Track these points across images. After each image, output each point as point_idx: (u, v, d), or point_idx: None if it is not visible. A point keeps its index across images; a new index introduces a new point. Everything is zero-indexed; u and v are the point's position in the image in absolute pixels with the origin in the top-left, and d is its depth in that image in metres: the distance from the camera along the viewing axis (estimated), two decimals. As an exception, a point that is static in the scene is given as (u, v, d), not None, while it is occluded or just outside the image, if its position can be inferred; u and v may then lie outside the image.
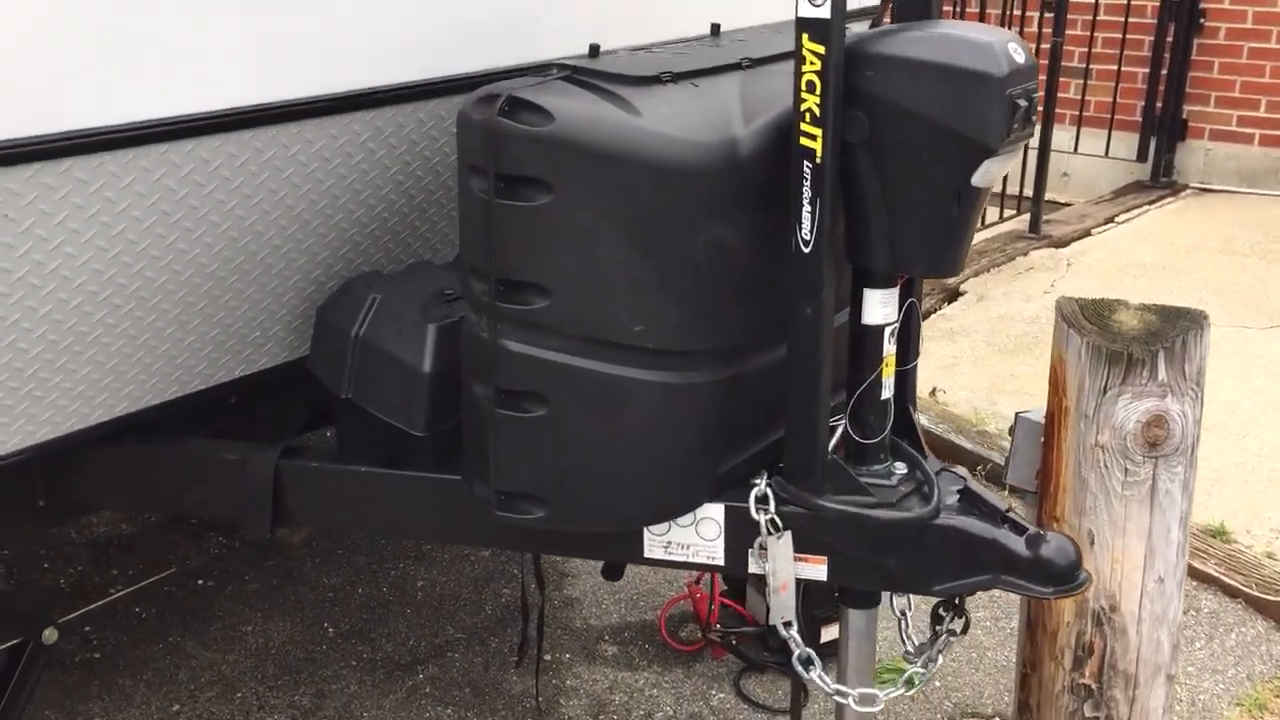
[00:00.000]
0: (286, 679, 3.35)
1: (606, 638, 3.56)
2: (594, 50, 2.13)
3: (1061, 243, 6.58)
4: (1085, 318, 2.57)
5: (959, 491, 2.19)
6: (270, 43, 2.16)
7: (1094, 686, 2.63)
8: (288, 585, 3.76)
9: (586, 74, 1.99)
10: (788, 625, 2.24)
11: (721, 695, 3.33)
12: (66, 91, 1.93)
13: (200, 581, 3.79)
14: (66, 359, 2.25)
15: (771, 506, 2.18)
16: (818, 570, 2.23)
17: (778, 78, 2.18)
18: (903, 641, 2.42)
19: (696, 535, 2.25)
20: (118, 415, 2.45)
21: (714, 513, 2.23)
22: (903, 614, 2.43)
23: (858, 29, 2.12)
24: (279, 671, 3.38)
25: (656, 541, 2.26)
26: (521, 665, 3.37)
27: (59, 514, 2.72)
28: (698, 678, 3.40)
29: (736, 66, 2.17)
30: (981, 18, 6.98)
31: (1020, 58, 1.91)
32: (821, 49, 1.90)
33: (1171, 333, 2.48)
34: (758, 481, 2.22)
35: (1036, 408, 2.87)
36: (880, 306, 2.15)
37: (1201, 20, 7.39)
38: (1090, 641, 2.61)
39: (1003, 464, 3.02)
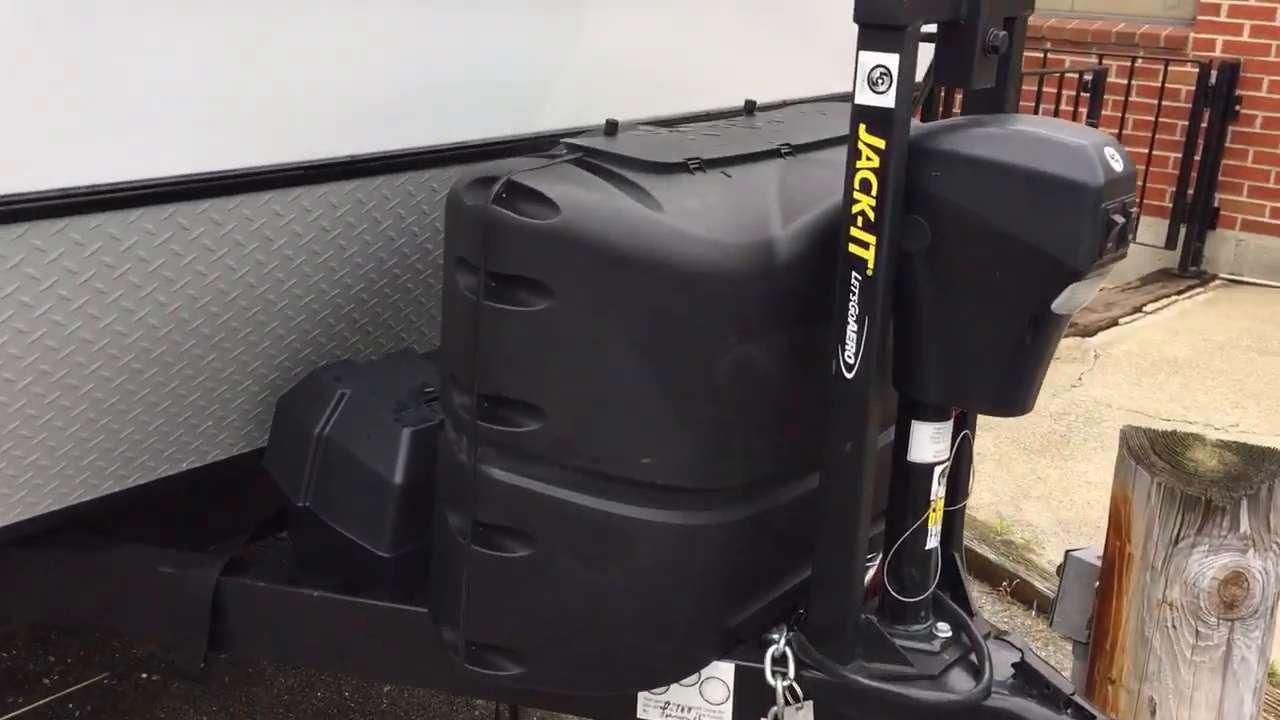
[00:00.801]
0: (233, 799, 2.98)
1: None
2: (611, 127, 1.82)
3: (1088, 331, 6.27)
4: (1156, 453, 2.25)
5: (1015, 666, 1.85)
6: (233, 105, 1.85)
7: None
8: (239, 685, 3.40)
9: (601, 157, 1.68)
10: (803, 809, 1.90)
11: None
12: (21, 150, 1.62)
13: (144, 675, 3.43)
14: (-23, 453, 1.93)
15: (791, 670, 1.85)
16: (841, 748, 1.89)
17: (823, 169, 1.87)
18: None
19: (700, 697, 1.91)
20: (38, 514, 2.12)
21: (722, 672, 1.89)
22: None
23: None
24: (225, 789, 3.01)
25: (652, 701, 1.92)
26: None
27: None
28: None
29: (775, 153, 1.86)
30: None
31: (1118, 165, 1.60)
32: (881, 143, 1.59)
33: (1256, 477, 2.16)
34: (775, 638, 1.89)
35: (1088, 546, 2.55)
36: (931, 443, 1.82)
37: (1237, 108, 7.14)
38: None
39: (1045, 602, 2.68)
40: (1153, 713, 2.23)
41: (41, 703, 3.14)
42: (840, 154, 1.90)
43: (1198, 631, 2.18)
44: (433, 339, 2.51)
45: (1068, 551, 2.53)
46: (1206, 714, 2.23)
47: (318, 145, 1.97)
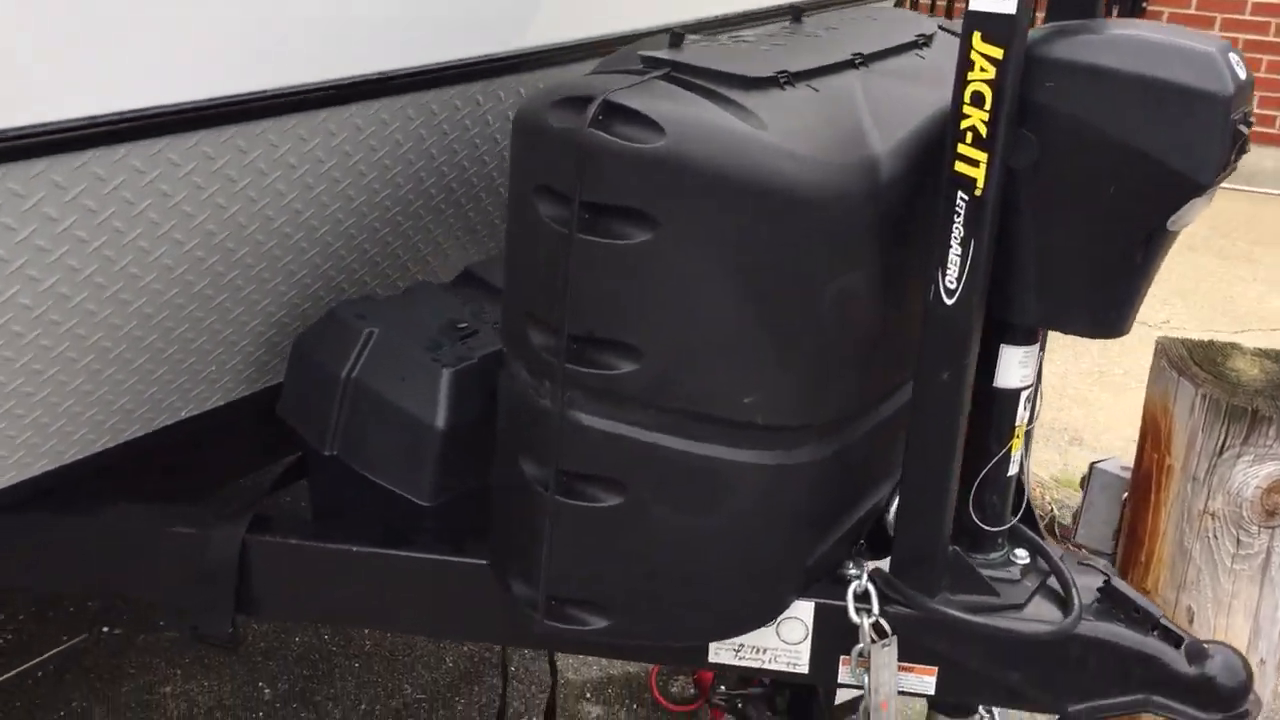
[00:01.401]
0: (220, 756, 2.84)
1: (588, 695, 3.13)
2: (677, 39, 1.67)
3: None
4: (1196, 364, 2.22)
5: (1101, 590, 1.81)
6: (260, 23, 1.65)
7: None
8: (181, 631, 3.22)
9: (691, 72, 1.54)
10: (886, 746, 1.85)
11: (726, 766, 2.93)
12: (31, 79, 1.41)
13: (105, 629, 3.23)
14: (-24, 415, 1.73)
15: (875, 606, 1.78)
16: (924, 683, 1.84)
17: (900, 81, 1.76)
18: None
19: (777, 638, 1.83)
20: (32, 475, 1.93)
21: (801, 612, 1.82)
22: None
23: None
24: (210, 746, 2.87)
25: (726, 645, 1.84)
26: (501, 738, 2.92)
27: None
28: (697, 744, 3.00)
29: (850, 65, 1.74)
30: None
31: (1242, 73, 1.52)
32: (999, 53, 1.49)
33: (1300, 385, 2.16)
34: (854, 574, 1.82)
35: (1111, 458, 2.54)
36: (1019, 367, 1.75)
37: (1144, 5, 7.22)
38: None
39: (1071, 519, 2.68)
40: (1190, 621, 2.23)
41: (18, 671, 2.93)
42: (909, 63, 1.80)
43: (1238, 540, 2.18)
44: (444, 272, 2.36)
45: (1093, 464, 2.52)
46: (1244, 621, 2.24)
47: (345, 62, 1.78)
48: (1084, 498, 2.49)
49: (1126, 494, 2.39)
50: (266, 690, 3.06)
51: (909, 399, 1.89)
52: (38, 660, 2.97)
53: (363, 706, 3.03)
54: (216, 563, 1.91)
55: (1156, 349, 2.29)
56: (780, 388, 1.57)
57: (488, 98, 2.10)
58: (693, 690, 3.08)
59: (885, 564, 1.85)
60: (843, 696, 3.02)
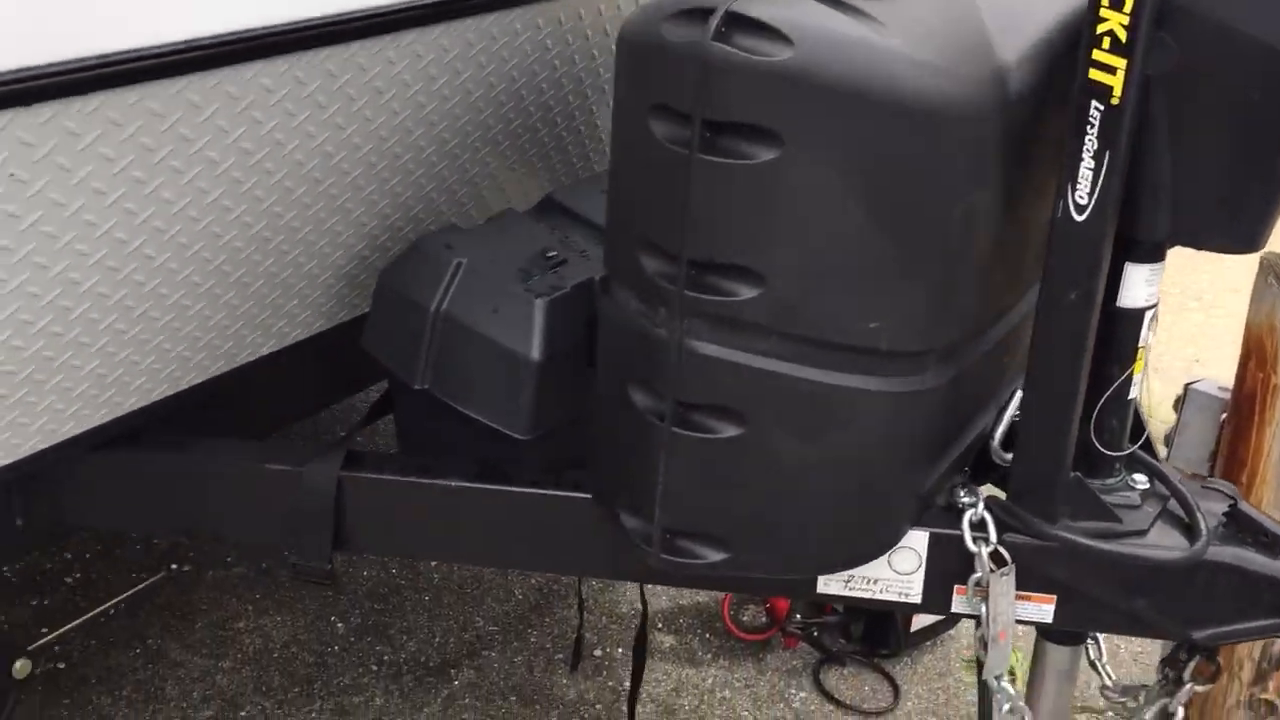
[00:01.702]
0: (297, 691, 2.84)
1: (660, 625, 3.12)
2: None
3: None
4: (1305, 279, 2.15)
5: (1227, 514, 1.76)
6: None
7: (1278, 703, 2.29)
8: (276, 566, 3.22)
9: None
10: (999, 678, 1.81)
11: (803, 694, 2.92)
12: (127, 3, 1.35)
13: (174, 566, 3.23)
14: (71, 353, 1.68)
15: (992, 535, 1.74)
16: (1041, 611, 1.80)
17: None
18: (1101, 676, 2.01)
19: (889, 568, 1.79)
20: (122, 414, 1.89)
21: (915, 541, 1.77)
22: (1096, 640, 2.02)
23: None
24: (286, 682, 2.86)
25: (835, 575, 1.80)
26: (576, 670, 2.91)
27: (41, 537, 2.15)
28: (772, 673, 2.98)
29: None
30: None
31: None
32: (1143, -49, 1.40)
33: None
34: (968, 501, 1.77)
35: (1205, 379, 2.47)
36: (1145, 286, 1.68)
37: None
38: (1278, 654, 2.26)
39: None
40: (1295, 543, 2.19)
41: (94, 613, 2.92)
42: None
43: (1346, 457, 2.12)
44: (519, 203, 2.29)
45: (1188, 385, 2.45)
46: (1350, 542, 2.19)
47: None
48: (1178, 419, 2.42)
49: (1225, 414, 2.32)
50: (339, 624, 3.06)
51: (1018, 322, 1.83)
52: (113, 602, 2.96)
53: (436, 640, 3.02)
54: (313, 500, 1.88)
55: (1261, 265, 2.21)
56: (905, 311, 1.51)
57: (569, 17, 2.02)
58: (765, 619, 3.06)
59: (986, 489, 1.81)
60: (919, 623, 3.00)
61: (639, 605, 3.14)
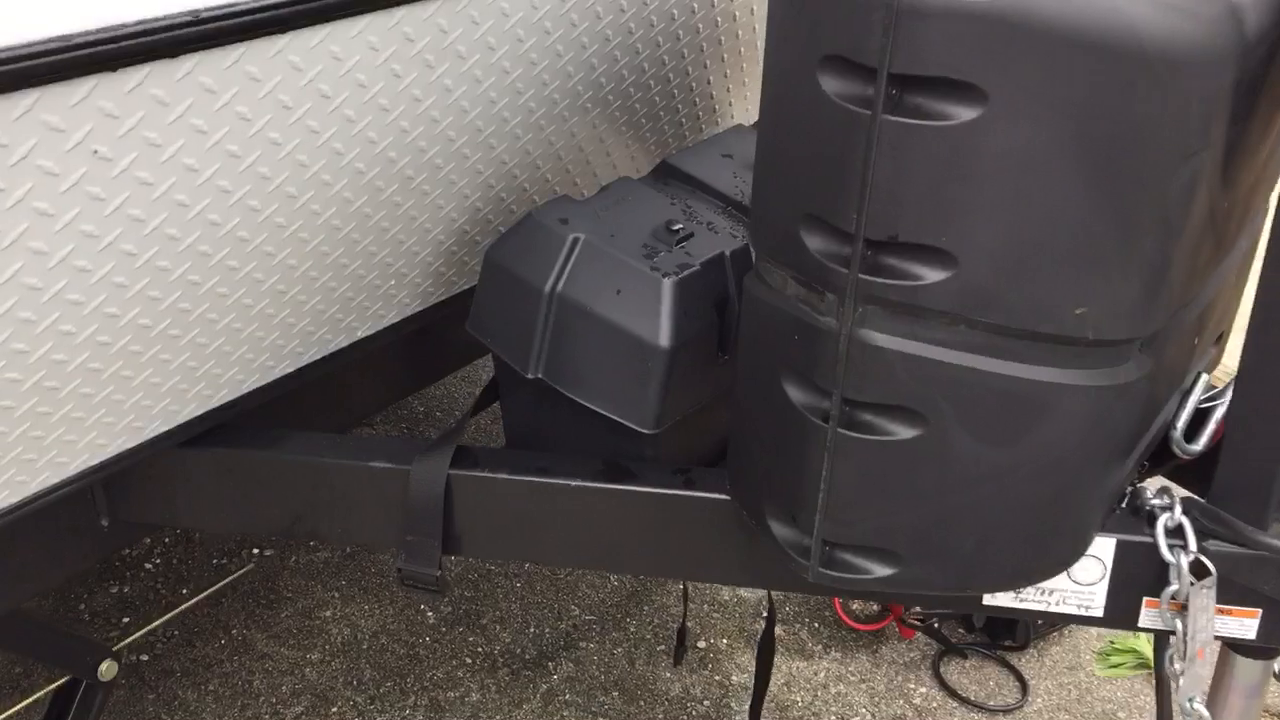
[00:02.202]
0: (390, 686, 2.69)
1: (763, 613, 2.94)
2: None
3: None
4: None
5: None
6: None
7: None
8: (361, 551, 3.08)
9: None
10: (1192, 700, 1.61)
11: (924, 690, 2.74)
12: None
13: (256, 551, 3.10)
14: (159, 347, 1.52)
15: (1192, 542, 1.53)
16: (1244, 627, 1.60)
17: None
18: (1290, 688, 1.80)
19: (1068, 578, 1.59)
20: (212, 409, 1.73)
21: (1100, 549, 1.57)
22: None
23: None
24: (378, 675, 2.72)
25: (1005, 585, 1.60)
26: (680, 663, 2.74)
27: (126, 535, 2.01)
28: (888, 666, 2.79)
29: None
30: None
31: None
32: None
33: None
34: (1158, 504, 1.57)
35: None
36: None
37: None
38: None
39: None
40: None
41: (181, 609, 2.79)
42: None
43: None
44: (630, 171, 2.09)
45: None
46: None
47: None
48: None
49: None
50: (429, 614, 2.91)
51: (1211, 298, 1.62)
52: (200, 596, 2.83)
53: (531, 630, 2.87)
54: (421, 501, 1.71)
55: None
56: (1116, 294, 1.30)
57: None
58: (878, 608, 2.88)
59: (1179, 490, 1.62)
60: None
61: (742, 593, 2.97)
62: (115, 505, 1.81)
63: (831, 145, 1.27)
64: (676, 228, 1.77)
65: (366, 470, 1.75)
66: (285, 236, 1.52)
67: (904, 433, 1.35)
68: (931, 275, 1.27)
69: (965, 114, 1.19)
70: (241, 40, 1.22)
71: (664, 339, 1.67)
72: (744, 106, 2.32)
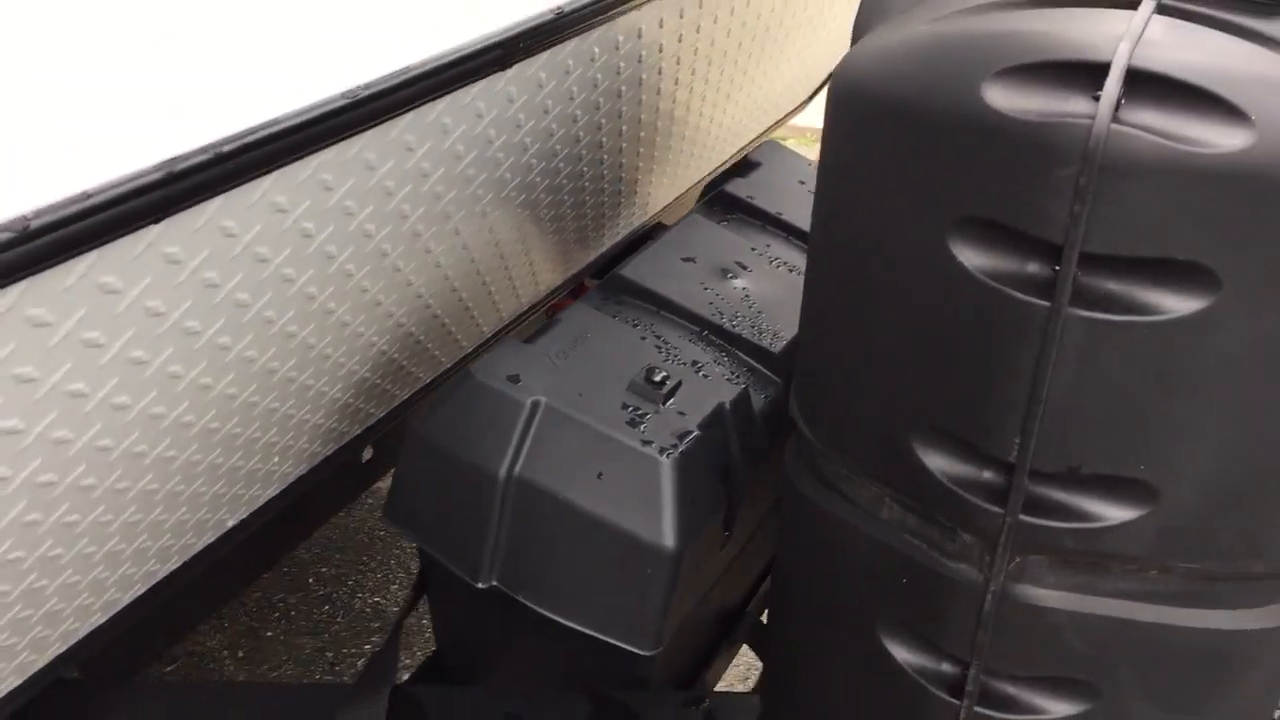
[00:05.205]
0: None
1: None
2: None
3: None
4: None
5: None
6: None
7: None
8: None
9: (1203, -2, 0.87)
10: None
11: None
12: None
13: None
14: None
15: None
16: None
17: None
18: None
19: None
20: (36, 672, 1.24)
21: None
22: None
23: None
24: None
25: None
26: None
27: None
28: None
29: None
30: None
31: None
32: None
33: None
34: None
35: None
36: None
37: None
38: None
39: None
40: None
41: None
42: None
43: None
44: (550, 274, 1.67)
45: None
46: None
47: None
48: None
49: None
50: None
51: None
52: None
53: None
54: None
55: None
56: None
57: (602, 44, 1.40)
58: None
59: None
60: None
61: None
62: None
63: (976, 339, 0.89)
64: (660, 377, 1.37)
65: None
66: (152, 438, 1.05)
67: (1065, 709, 0.99)
68: (1120, 514, 0.91)
69: (1187, 305, 0.82)
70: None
71: (668, 538, 1.26)
72: (660, 189, 1.93)
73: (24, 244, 0.72)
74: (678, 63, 1.60)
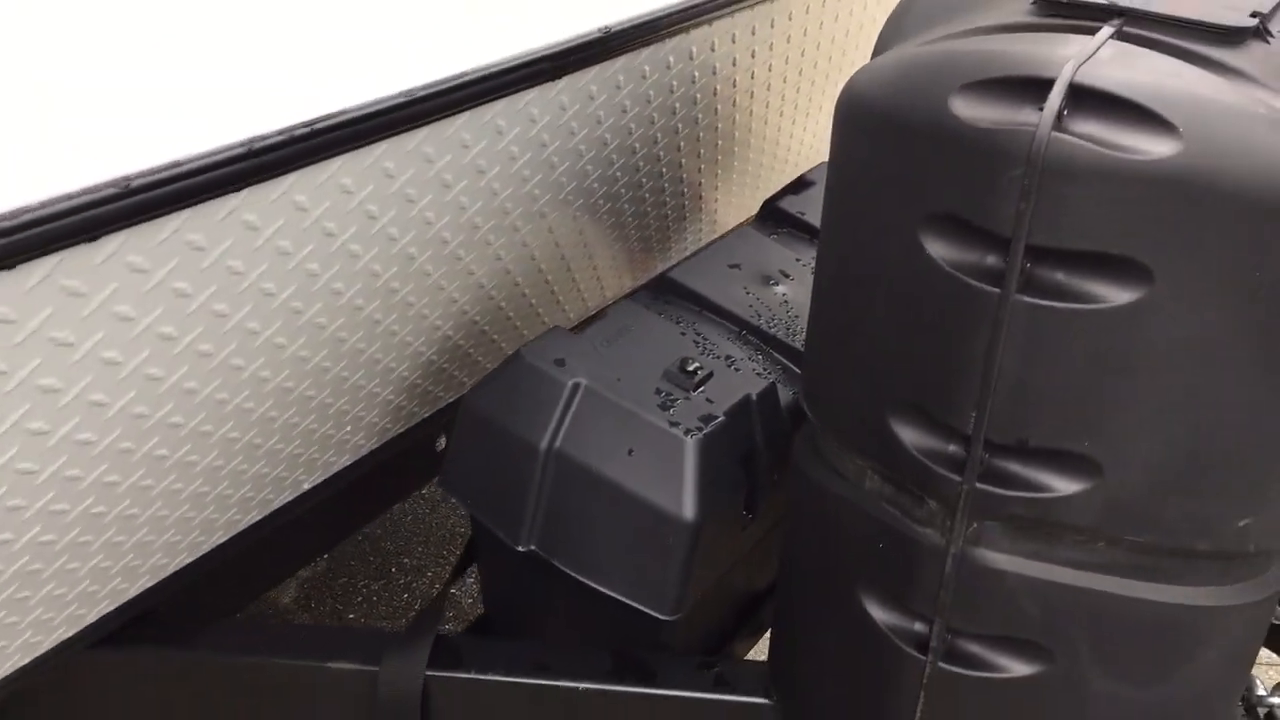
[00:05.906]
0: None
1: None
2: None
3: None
4: None
5: None
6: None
7: None
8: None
9: (1155, 24, 0.98)
10: None
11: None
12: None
13: None
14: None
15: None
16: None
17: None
18: None
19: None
20: (131, 598, 1.41)
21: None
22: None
23: None
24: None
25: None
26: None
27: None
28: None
29: None
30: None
31: None
32: None
33: None
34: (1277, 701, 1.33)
35: None
36: None
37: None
38: None
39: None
40: None
41: None
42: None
43: None
44: (616, 283, 1.81)
45: None
46: None
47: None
48: None
49: None
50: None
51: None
52: None
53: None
54: (393, 711, 1.40)
55: None
56: (1283, 499, 1.05)
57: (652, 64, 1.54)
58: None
59: None
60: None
61: None
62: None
63: (941, 323, 1.00)
64: (693, 367, 1.49)
65: (326, 673, 1.44)
66: (237, 394, 1.21)
67: (1021, 669, 1.09)
68: (1068, 486, 1.01)
69: (1123, 296, 0.93)
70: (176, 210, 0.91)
71: (688, 510, 1.38)
72: (729, 207, 2.06)
73: (125, 199, 0.88)
74: (733, 85, 1.73)
